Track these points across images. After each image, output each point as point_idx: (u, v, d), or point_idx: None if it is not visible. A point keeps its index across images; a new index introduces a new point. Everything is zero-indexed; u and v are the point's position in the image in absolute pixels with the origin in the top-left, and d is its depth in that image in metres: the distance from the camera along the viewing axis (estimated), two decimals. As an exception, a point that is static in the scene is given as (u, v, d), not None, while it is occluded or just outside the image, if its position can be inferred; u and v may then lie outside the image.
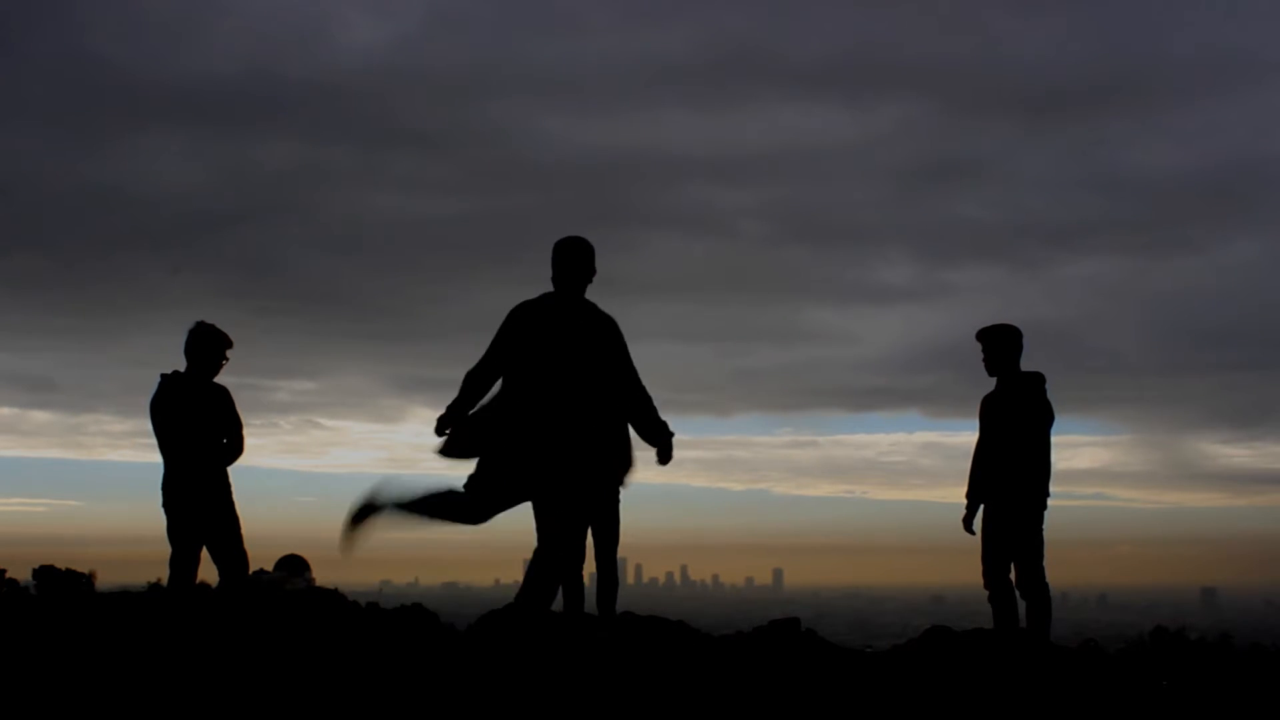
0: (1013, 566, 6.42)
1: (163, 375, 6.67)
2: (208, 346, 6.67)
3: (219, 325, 6.75)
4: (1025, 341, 6.59)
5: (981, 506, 6.56)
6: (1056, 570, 6.40)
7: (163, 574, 6.97)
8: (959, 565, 6.44)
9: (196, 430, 6.59)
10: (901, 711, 5.36)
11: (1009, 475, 6.40)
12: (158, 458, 6.65)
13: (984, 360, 6.60)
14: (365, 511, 5.25)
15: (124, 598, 11.77)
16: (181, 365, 6.70)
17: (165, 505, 6.61)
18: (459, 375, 5.57)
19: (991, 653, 6.58)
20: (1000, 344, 6.56)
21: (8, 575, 15.21)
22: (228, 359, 6.75)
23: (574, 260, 5.50)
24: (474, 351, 5.57)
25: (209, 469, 6.63)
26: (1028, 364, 6.61)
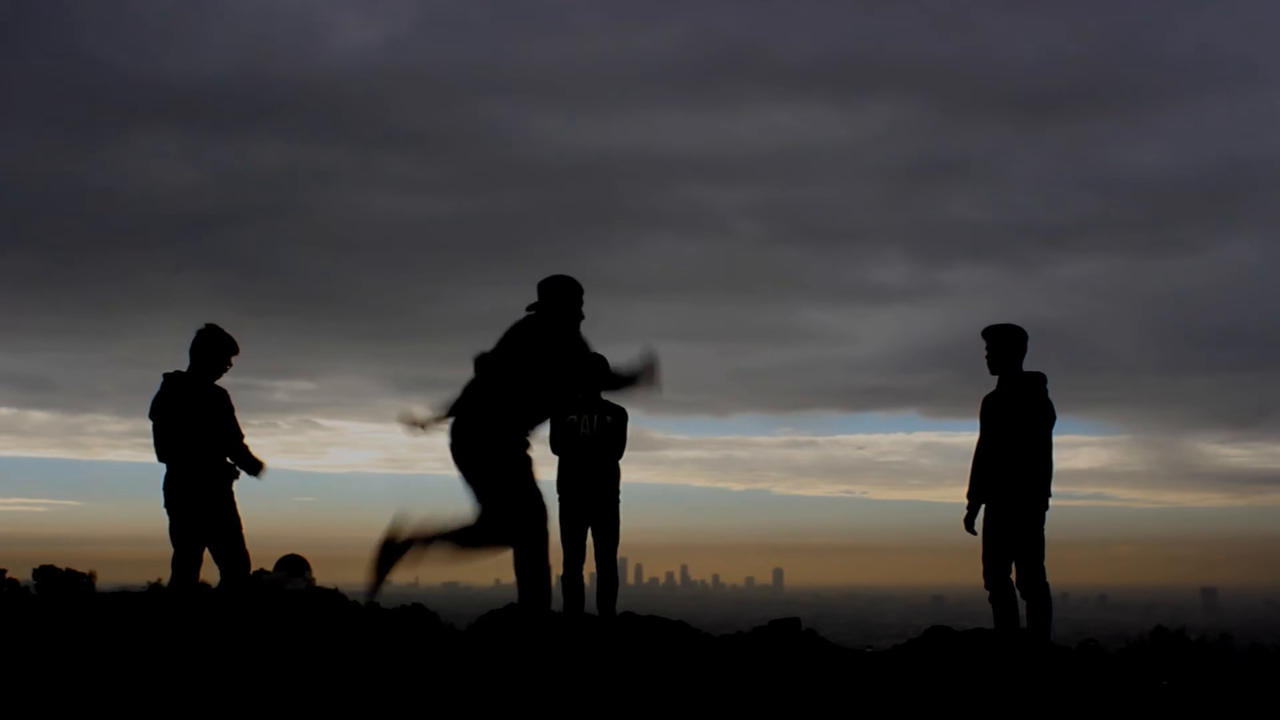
0: (1013, 566, 6.42)
1: (165, 375, 6.68)
2: (214, 350, 6.69)
3: (225, 330, 6.77)
4: (1030, 343, 6.58)
5: (983, 506, 6.56)
6: (1056, 570, 6.42)
7: (163, 574, 7.00)
8: (959, 565, 6.47)
9: (197, 431, 6.60)
10: (901, 711, 5.36)
11: (1010, 475, 6.39)
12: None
13: (986, 358, 6.58)
14: (389, 552, 5.33)
15: (124, 598, 11.76)
16: (183, 365, 6.72)
17: (167, 505, 6.61)
18: (456, 374, 5.68)
19: (991, 653, 6.57)
20: (1004, 343, 6.53)
21: (8, 575, 15.21)
22: (231, 364, 6.77)
23: (571, 298, 5.74)
24: (472, 350, 5.65)
25: (210, 469, 6.63)
26: (1030, 364, 6.60)
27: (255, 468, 6.79)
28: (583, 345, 5.73)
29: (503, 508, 5.40)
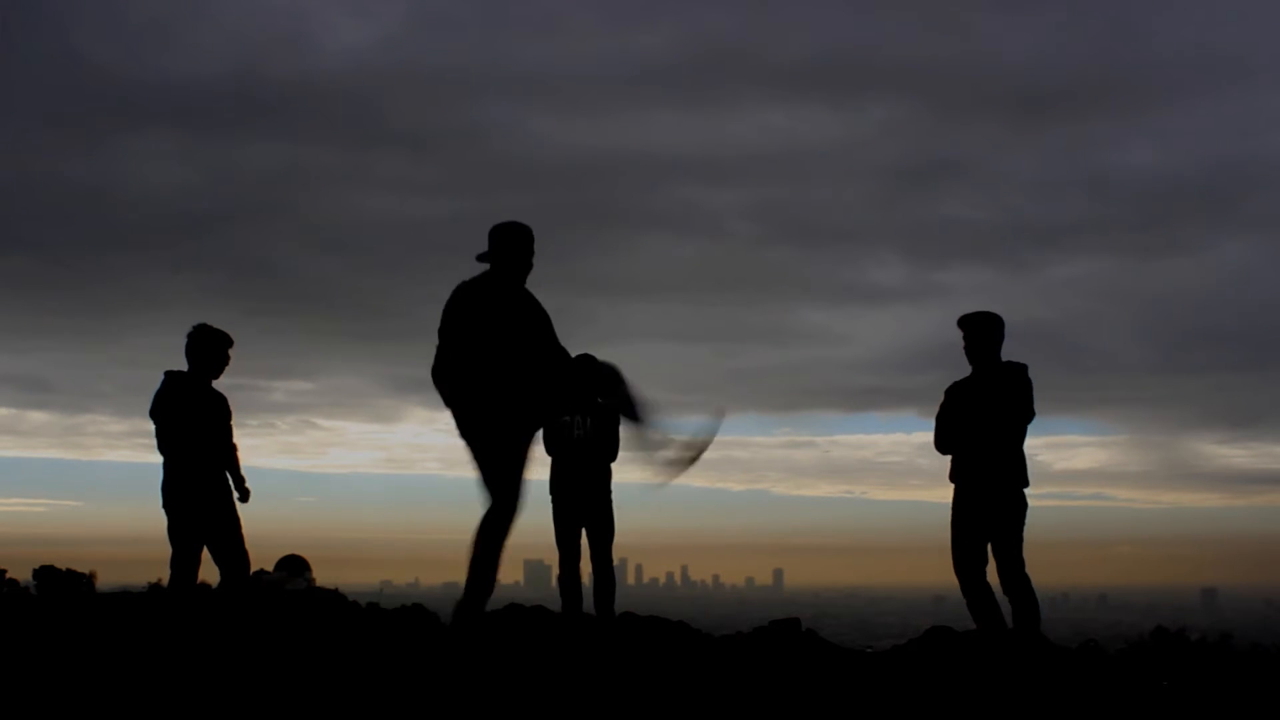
0: (994, 565, 6.23)
1: (167, 373, 6.70)
2: (208, 347, 6.70)
3: (216, 325, 6.78)
4: (1006, 330, 6.36)
5: (954, 492, 6.36)
6: (1056, 570, 6.41)
7: (163, 574, 6.99)
8: (960, 566, 6.37)
9: (198, 430, 6.61)
10: (901, 711, 5.36)
11: (989, 471, 6.21)
12: (157, 457, 6.66)
13: (965, 348, 6.39)
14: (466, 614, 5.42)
15: (124, 598, 11.77)
16: (183, 365, 6.73)
17: (165, 505, 6.61)
18: None
19: (991, 653, 6.56)
20: (983, 331, 6.35)
21: (8, 575, 15.21)
22: (230, 358, 6.78)
23: (517, 246, 5.66)
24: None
25: (210, 469, 6.64)
26: (1030, 364, 6.50)
27: (240, 484, 6.78)
28: (525, 297, 5.62)
29: (492, 488, 5.41)
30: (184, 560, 6.59)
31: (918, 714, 5.32)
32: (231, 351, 6.78)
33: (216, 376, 6.76)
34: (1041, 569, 6.29)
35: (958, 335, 6.45)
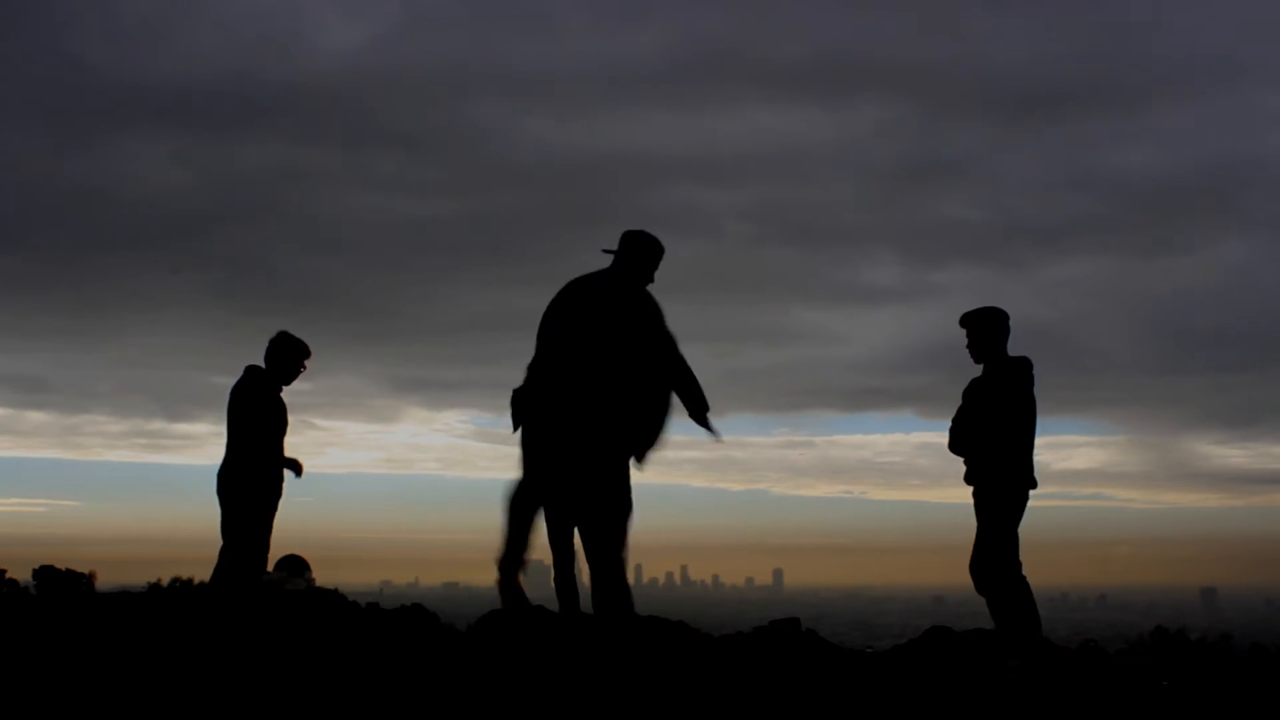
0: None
1: (249, 367, 6.92)
2: (287, 355, 6.94)
3: (295, 335, 7.05)
4: (1011, 324, 6.27)
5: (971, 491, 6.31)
6: (1056, 570, 6.39)
7: (162, 574, 7.13)
8: (959, 565, 6.35)
9: (267, 429, 6.77)
10: (901, 711, 5.35)
11: (987, 467, 6.13)
12: (155, 458, 6.81)
13: (968, 346, 6.30)
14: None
15: (123, 598, 11.77)
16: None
17: (221, 493, 6.74)
18: (451, 376, 5.87)
19: (991, 653, 6.56)
20: (984, 328, 6.26)
21: (8, 575, 15.23)
22: (305, 367, 7.05)
23: (646, 255, 5.87)
24: (465, 351, 5.86)
25: (267, 468, 6.80)
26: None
27: (296, 467, 7.08)
28: (647, 306, 5.77)
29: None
30: (235, 553, 6.73)
31: (918, 714, 5.32)
32: (308, 363, 7.00)
33: (288, 384, 7.02)
34: (1041, 569, 6.30)
35: (955, 335, 6.36)
